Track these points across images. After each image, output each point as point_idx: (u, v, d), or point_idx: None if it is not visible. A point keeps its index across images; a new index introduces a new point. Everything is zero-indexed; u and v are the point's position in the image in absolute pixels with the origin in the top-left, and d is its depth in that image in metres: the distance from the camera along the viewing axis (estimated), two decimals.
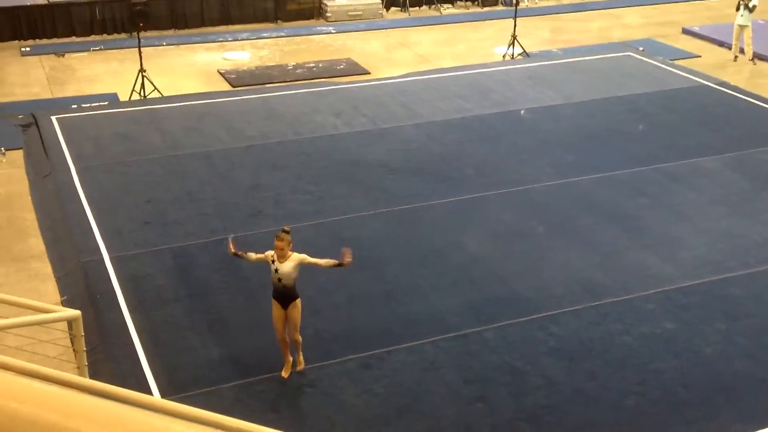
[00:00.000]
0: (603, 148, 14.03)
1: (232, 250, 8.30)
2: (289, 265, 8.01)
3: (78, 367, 5.13)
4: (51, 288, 10.01)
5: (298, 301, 8.18)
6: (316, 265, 8.14)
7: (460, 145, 14.08)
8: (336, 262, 8.10)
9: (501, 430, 7.80)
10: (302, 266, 8.14)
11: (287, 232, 8.11)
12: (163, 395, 8.10)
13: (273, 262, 8.03)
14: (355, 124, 14.91)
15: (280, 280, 8.06)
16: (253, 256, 8.23)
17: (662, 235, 11.28)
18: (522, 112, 15.59)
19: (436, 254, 10.75)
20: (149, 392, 8.12)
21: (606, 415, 8.01)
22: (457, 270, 10.40)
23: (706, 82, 17.09)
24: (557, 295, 9.86)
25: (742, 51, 18.65)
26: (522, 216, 11.75)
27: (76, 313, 5.04)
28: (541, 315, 9.46)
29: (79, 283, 10.11)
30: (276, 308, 8.18)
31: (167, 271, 10.31)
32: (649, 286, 10.07)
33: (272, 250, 8.05)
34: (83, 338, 5.10)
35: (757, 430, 7.81)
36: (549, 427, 7.85)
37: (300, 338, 8.36)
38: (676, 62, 18.48)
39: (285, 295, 8.11)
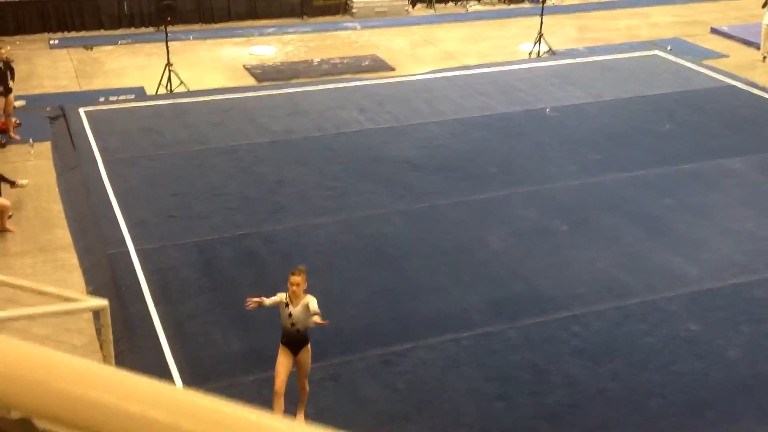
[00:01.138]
0: (628, 147, 13.95)
1: (251, 304, 7.48)
2: (300, 307, 7.32)
3: (105, 357, 5.19)
4: (77, 278, 10.12)
5: (309, 346, 7.54)
6: (313, 313, 7.30)
7: (484, 143, 14.05)
8: (321, 321, 7.30)
9: (521, 429, 7.80)
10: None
11: (302, 271, 7.42)
12: (186, 387, 8.18)
13: (287, 305, 7.36)
14: (379, 120, 14.93)
15: (293, 324, 7.34)
16: (267, 301, 7.44)
17: (687, 236, 11.21)
18: (547, 110, 15.53)
19: (459, 251, 10.75)
20: (172, 383, 8.21)
21: (627, 416, 7.98)
22: (480, 267, 10.40)
23: (734, 83, 16.93)
24: (580, 294, 9.83)
25: None
26: (545, 214, 11.72)
27: (104, 302, 5.11)
28: (563, 314, 9.44)
29: (105, 274, 10.22)
30: (284, 354, 7.48)
31: (191, 265, 10.40)
32: (673, 288, 10.01)
33: (285, 291, 7.44)
34: (110, 328, 5.16)
35: None
36: (570, 426, 7.84)
37: (308, 387, 7.74)
38: (704, 62, 18.31)
39: (298, 341, 7.43)
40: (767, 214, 11.84)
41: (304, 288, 7.39)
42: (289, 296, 7.37)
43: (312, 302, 7.30)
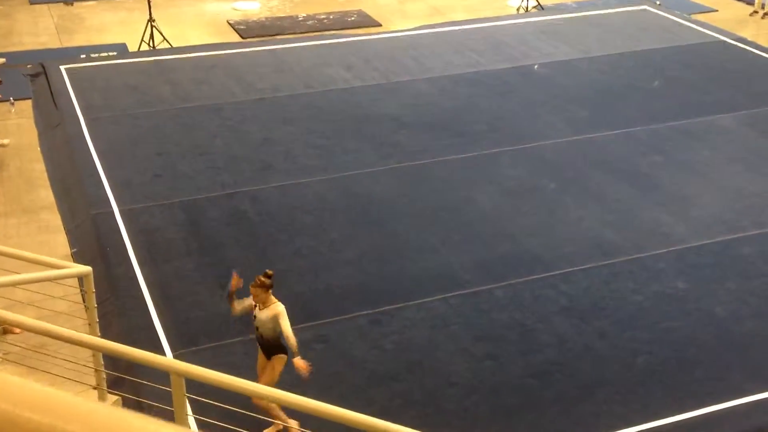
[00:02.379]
0: (617, 104, 13.84)
1: (232, 289, 6.97)
2: (265, 313, 6.78)
3: (89, 324, 5.11)
4: (61, 240, 10.01)
5: (284, 358, 6.86)
6: (283, 331, 6.75)
7: (473, 100, 13.91)
8: (293, 351, 6.69)
9: (510, 387, 7.82)
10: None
11: (269, 276, 6.79)
12: (174, 349, 8.14)
13: (255, 306, 6.87)
14: (366, 77, 14.74)
15: (257, 328, 6.87)
16: (237, 307, 6.95)
17: (675, 193, 11.18)
18: (535, 66, 15.37)
19: (447, 210, 10.69)
20: (159, 346, 8.16)
21: (615, 374, 8.00)
22: (468, 227, 10.34)
23: (724, 38, 16.78)
24: (568, 253, 9.81)
25: (763, 6, 18.28)
26: (534, 172, 11.65)
27: (87, 269, 5.01)
28: (552, 273, 9.42)
29: (90, 235, 10.10)
30: (259, 355, 7.04)
31: (178, 225, 10.29)
32: (661, 245, 10.00)
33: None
34: (94, 294, 5.07)
35: None
36: (558, 384, 7.86)
37: (273, 405, 6.78)
38: (694, 17, 18.14)
39: (264, 345, 6.89)
40: (757, 170, 11.81)
41: (267, 298, 6.77)
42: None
43: (283, 321, 6.69)
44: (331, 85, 14.38)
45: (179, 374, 3.33)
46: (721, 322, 8.73)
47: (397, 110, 13.47)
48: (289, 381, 6.84)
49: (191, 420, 3.30)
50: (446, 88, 14.37)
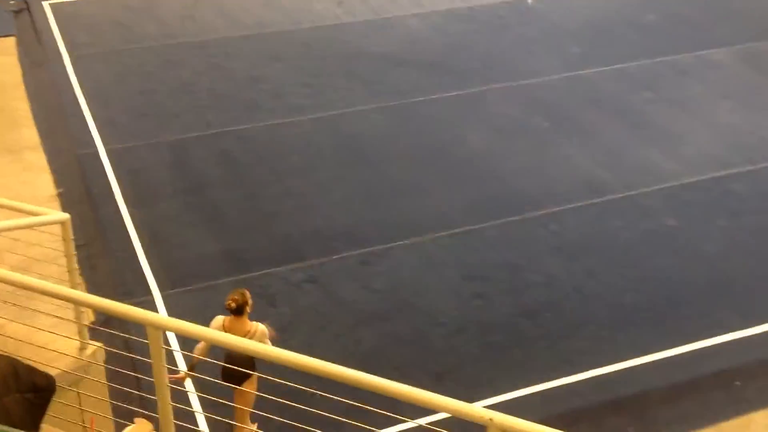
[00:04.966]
0: (611, 39, 13.62)
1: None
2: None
3: (68, 271, 5.06)
4: (46, 180, 9.89)
5: (254, 378, 5.80)
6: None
7: (465, 37, 13.67)
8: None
9: (499, 327, 7.84)
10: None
11: (238, 301, 5.80)
12: (162, 290, 8.12)
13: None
14: (356, 13, 14.45)
15: (229, 355, 5.70)
16: (198, 351, 5.84)
17: (667, 130, 11.08)
18: (529, 1, 15.07)
19: (438, 150, 10.58)
20: (147, 287, 8.14)
21: (604, 312, 8.03)
22: (459, 166, 10.25)
23: None
24: (559, 192, 9.76)
25: None
26: (526, 111, 11.51)
27: (65, 216, 4.93)
28: (542, 212, 9.39)
29: (76, 176, 9.99)
30: (234, 391, 5.88)
31: (164, 165, 10.18)
32: (652, 183, 9.95)
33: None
34: (73, 242, 5.00)
35: (756, 325, 7.85)
36: (547, 323, 7.89)
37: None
38: None
39: (233, 375, 5.54)
40: (749, 106, 11.70)
41: (243, 325, 5.86)
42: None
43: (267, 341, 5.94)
44: (320, 22, 14.10)
45: (156, 327, 3.28)
46: (710, 260, 8.74)
47: (388, 48, 13.24)
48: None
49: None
50: (438, 24, 14.10)
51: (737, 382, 7.30)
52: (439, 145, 10.67)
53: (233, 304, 5.76)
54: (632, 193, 9.76)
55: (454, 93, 11.89)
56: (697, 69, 12.69)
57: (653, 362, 7.46)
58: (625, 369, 7.39)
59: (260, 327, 5.90)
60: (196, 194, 9.64)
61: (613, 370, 7.37)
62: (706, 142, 10.82)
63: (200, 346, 5.83)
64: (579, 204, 9.54)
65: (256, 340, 5.74)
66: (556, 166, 10.27)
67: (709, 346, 7.64)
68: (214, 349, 5.79)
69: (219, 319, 5.88)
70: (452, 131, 10.99)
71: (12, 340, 4.36)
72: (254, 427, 6.26)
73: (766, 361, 7.55)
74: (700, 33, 13.86)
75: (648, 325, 7.89)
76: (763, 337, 7.75)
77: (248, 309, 5.86)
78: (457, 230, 9.08)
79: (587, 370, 7.35)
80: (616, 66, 12.70)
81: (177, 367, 6.59)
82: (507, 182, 9.95)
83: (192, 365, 5.84)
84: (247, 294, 5.86)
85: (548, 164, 10.32)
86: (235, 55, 12.91)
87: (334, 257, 8.65)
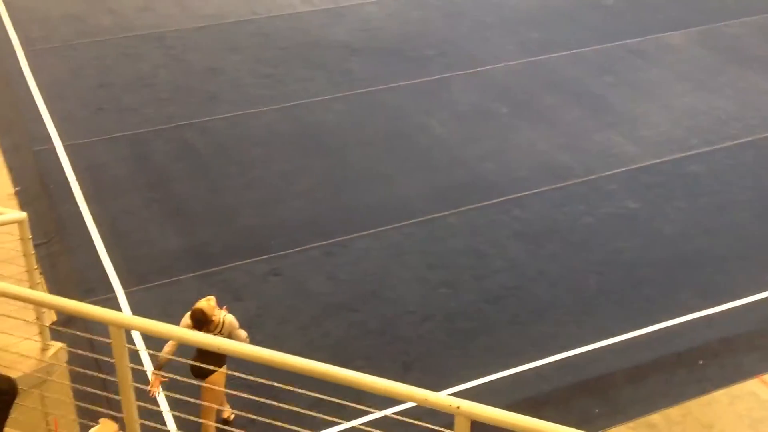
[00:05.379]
0: (569, 24, 13.71)
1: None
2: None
3: (27, 271, 4.97)
4: (2, 178, 9.70)
5: (223, 372, 5.87)
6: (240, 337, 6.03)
7: (423, 24, 13.66)
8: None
9: (465, 313, 7.88)
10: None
11: (203, 312, 5.84)
12: (125, 287, 8.02)
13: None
14: (314, 2, 14.36)
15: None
16: (166, 350, 5.80)
17: (626, 113, 11.19)
18: None
19: (400, 138, 10.58)
20: (109, 284, 8.04)
21: (568, 295, 8.11)
22: (421, 154, 10.26)
23: None
24: (521, 177, 9.81)
25: None
26: (486, 97, 11.55)
27: (22, 215, 4.84)
28: (504, 198, 9.43)
29: (33, 173, 9.82)
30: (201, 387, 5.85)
31: (124, 160, 10.04)
32: (612, 166, 10.05)
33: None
34: (31, 241, 4.91)
35: (716, 305, 7.97)
36: (512, 308, 7.94)
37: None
38: None
39: (201, 371, 5.57)
40: (706, 87, 11.85)
41: (212, 322, 5.91)
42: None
43: (240, 331, 6.01)
44: (277, 11, 13.99)
45: (118, 326, 3.23)
46: (671, 241, 8.86)
47: (347, 36, 13.18)
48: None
49: None
50: (395, 11, 14.07)
51: (700, 361, 7.42)
52: (402, 133, 10.66)
53: (197, 324, 5.79)
54: (593, 177, 9.85)
55: (415, 81, 11.88)
56: (655, 52, 12.83)
57: (617, 343, 7.56)
58: (591, 351, 7.47)
59: (228, 317, 5.98)
60: (157, 189, 9.53)
61: (578, 352, 7.45)
62: (665, 125, 10.95)
63: (169, 344, 5.77)
64: (541, 189, 9.61)
65: (225, 329, 5.91)
66: (517, 152, 10.32)
67: (671, 326, 7.76)
68: (182, 345, 5.78)
69: (188, 317, 5.91)
70: (414, 119, 10.99)
71: None
72: (228, 407, 6.39)
73: (727, 339, 7.68)
74: (658, 16, 14.01)
75: (612, 307, 7.98)
76: (725, 316, 7.89)
77: (214, 312, 5.91)
78: (420, 218, 9.09)
79: (553, 353, 7.42)
80: (574, 50, 12.79)
81: (142, 366, 6.51)
82: (469, 169, 9.98)
83: (160, 365, 5.80)
84: (211, 303, 5.91)
85: (510, 150, 10.37)
86: (193, 47, 12.76)
87: (299, 249, 8.61)
